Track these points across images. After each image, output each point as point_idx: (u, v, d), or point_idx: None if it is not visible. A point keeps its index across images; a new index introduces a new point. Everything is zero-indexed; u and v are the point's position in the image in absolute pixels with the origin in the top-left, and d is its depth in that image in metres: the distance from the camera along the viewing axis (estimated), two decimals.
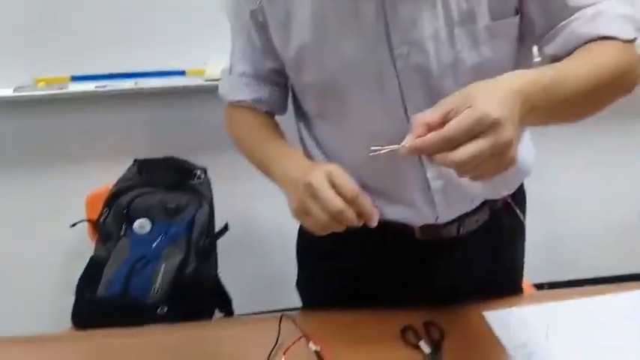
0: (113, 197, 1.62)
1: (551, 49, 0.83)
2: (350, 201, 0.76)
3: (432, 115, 0.63)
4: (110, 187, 1.67)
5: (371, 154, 0.68)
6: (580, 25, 0.80)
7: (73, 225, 1.64)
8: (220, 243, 1.71)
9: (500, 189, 0.98)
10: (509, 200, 1.02)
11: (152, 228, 1.57)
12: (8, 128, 1.88)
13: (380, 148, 0.68)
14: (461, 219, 0.97)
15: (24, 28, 1.71)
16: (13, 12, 1.70)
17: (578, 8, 0.81)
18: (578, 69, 0.74)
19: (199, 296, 1.54)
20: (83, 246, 1.69)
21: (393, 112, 0.86)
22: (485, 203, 0.98)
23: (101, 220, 1.60)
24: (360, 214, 0.77)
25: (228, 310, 1.68)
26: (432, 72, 0.83)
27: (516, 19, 0.83)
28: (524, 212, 1.09)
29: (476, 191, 0.95)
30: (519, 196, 1.06)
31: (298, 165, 0.85)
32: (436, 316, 0.97)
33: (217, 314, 1.67)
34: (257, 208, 2.00)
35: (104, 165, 1.79)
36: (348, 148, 0.93)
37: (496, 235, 1.03)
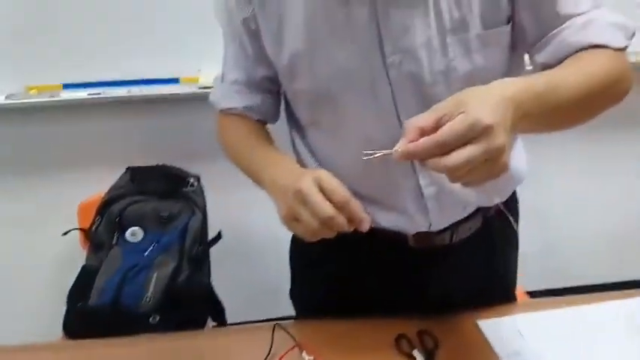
0: (105, 205, 1.61)
1: (542, 57, 0.83)
2: (340, 206, 0.75)
3: (424, 119, 0.63)
4: (103, 195, 1.66)
5: (364, 158, 0.68)
6: (571, 33, 0.81)
7: (65, 233, 1.62)
8: (213, 251, 1.70)
9: (492, 196, 0.98)
10: (501, 208, 1.03)
11: (144, 236, 1.56)
12: None
13: (372, 152, 0.68)
14: (454, 226, 0.97)
15: (14, 35, 1.70)
16: (3, 19, 1.69)
17: (570, 17, 0.81)
18: (570, 77, 0.74)
19: (192, 305, 1.53)
20: (75, 254, 1.68)
21: (386, 120, 0.86)
22: (478, 211, 0.99)
23: (93, 228, 1.59)
24: (350, 220, 0.76)
25: (221, 320, 1.66)
26: (424, 80, 0.83)
27: (508, 27, 0.84)
28: (517, 220, 1.09)
29: (468, 198, 0.95)
30: (512, 203, 1.06)
31: (287, 171, 0.84)
32: (430, 324, 0.97)
33: (210, 323, 1.66)
34: (251, 216, 1.99)
35: (97, 173, 1.78)
36: (341, 155, 0.93)
37: (489, 243, 1.03)
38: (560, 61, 0.80)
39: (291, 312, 1.18)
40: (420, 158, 0.64)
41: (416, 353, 0.92)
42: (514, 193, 1.07)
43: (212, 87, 1.06)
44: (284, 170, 0.85)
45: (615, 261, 2.28)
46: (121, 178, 1.75)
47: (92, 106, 1.83)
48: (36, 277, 1.98)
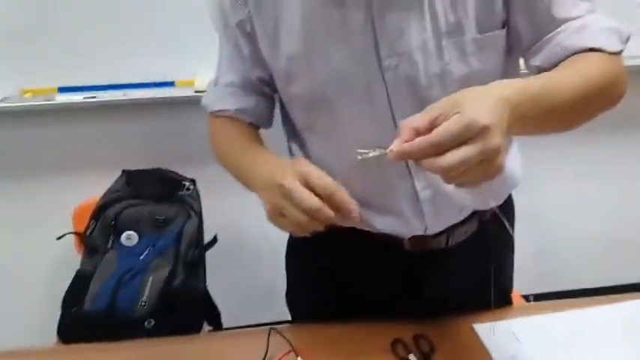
0: (100, 209, 1.61)
1: (537, 60, 0.84)
2: (326, 197, 0.73)
3: (420, 119, 0.63)
4: (98, 199, 1.66)
5: (358, 157, 0.68)
6: (566, 37, 0.81)
7: (60, 238, 1.62)
8: (209, 255, 1.69)
9: (488, 199, 0.98)
10: (497, 211, 1.03)
11: (140, 240, 1.56)
12: None
13: (367, 152, 0.68)
14: (449, 230, 0.97)
15: (9, 38, 1.70)
16: None
17: (565, 20, 0.82)
18: (567, 79, 0.74)
19: (187, 309, 1.53)
20: (70, 259, 1.67)
21: (381, 123, 0.86)
22: (473, 214, 0.99)
23: (88, 232, 1.58)
24: (338, 210, 0.74)
25: (216, 324, 1.66)
26: (420, 83, 0.83)
27: (503, 31, 0.84)
28: (512, 223, 1.09)
29: (464, 202, 0.95)
30: (508, 207, 1.06)
31: (273, 167, 0.82)
32: (426, 328, 0.97)
33: (206, 328, 1.66)
34: (246, 219, 1.98)
35: (92, 177, 1.78)
36: (336, 158, 0.93)
37: (485, 247, 1.03)
38: (555, 65, 0.80)
39: (287, 316, 1.18)
40: (415, 158, 0.63)
41: (412, 357, 0.92)
42: (510, 198, 1.07)
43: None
44: (270, 167, 0.83)
45: (611, 264, 2.29)
46: (116, 181, 1.74)
47: (87, 109, 1.83)
48: (30, 281, 1.97)
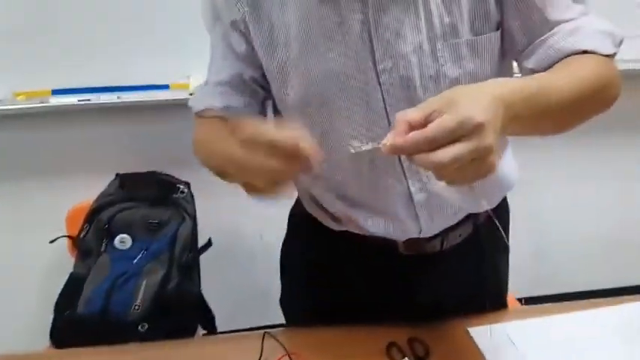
0: (94, 212, 1.60)
1: (531, 63, 0.84)
2: (286, 151, 0.66)
3: (414, 114, 0.62)
4: (91, 202, 1.65)
5: (352, 151, 0.67)
6: (559, 39, 0.81)
7: (53, 241, 1.61)
8: (203, 259, 1.69)
9: (481, 201, 0.98)
10: (491, 214, 1.02)
11: (133, 244, 1.55)
12: None
13: (360, 145, 0.67)
14: (444, 233, 0.97)
15: (2, 41, 1.69)
16: None
17: (558, 23, 0.82)
18: (561, 80, 0.74)
19: (181, 313, 1.52)
20: (63, 262, 1.66)
21: (376, 125, 0.86)
22: (468, 217, 0.98)
23: (81, 235, 1.57)
24: (298, 157, 0.67)
25: (211, 328, 1.65)
26: (415, 85, 0.83)
27: (497, 34, 0.84)
28: (507, 227, 1.09)
29: (458, 203, 0.94)
30: (502, 210, 1.06)
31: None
32: (420, 332, 0.96)
33: (200, 331, 1.65)
34: (241, 223, 1.98)
35: (85, 180, 1.76)
36: (331, 161, 0.92)
37: (479, 250, 1.03)
38: (548, 67, 0.81)
39: (282, 320, 1.17)
40: (408, 153, 0.62)
41: None
42: (505, 200, 1.07)
43: None
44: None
45: (607, 267, 2.29)
46: (110, 184, 1.74)
47: (81, 112, 1.82)
48: (23, 284, 1.96)
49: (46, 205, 1.87)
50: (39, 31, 1.71)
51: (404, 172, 0.90)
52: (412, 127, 0.62)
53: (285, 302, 1.16)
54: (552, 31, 0.82)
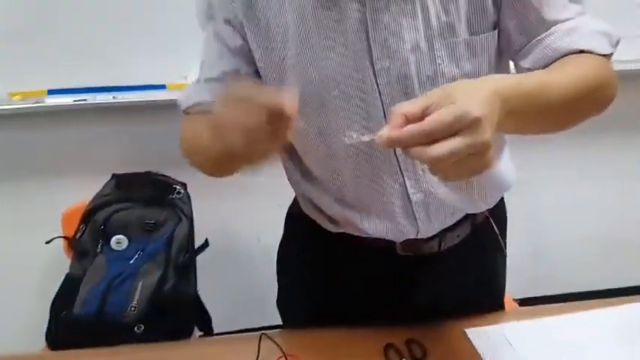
0: (90, 213, 1.59)
1: (527, 63, 0.84)
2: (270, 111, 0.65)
3: (411, 106, 0.62)
4: (87, 202, 1.64)
5: (347, 143, 0.66)
6: (556, 39, 0.81)
7: (48, 242, 1.60)
8: (200, 259, 1.68)
9: (478, 201, 0.98)
10: (487, 215, 1.02)
11: (129, 244, 1.55)
12: None
13: (356, 136, 0.66)
14: (442, 234, 0.97)
15: None
16: None
17: (555, 23, 0.82)
18: (558, 78, 0.74)
19: (178, 314, 1.51)
20: (58, 263, 1.65)
21: (374, 126, 0.85)
22: (466, 218, 0.98)
23: (77, 236, 1.57)
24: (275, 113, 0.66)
25: (207, 329, 1.65)
26: (412, 85, 0.83)
27: (495, 33, 0.84)
28: (505, 227, 1.08)
29: (455, 204, 0.94)
30: (499, 210, 1.06)
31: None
32: (418, 333, 0.96)
33: (197, 333, 1.64)
34: (237, 224, 1.98)
35: (81, 180, 1.76)
36: (328, 161, 0.92)
37: (477, 251, 1.02)
38: (545, 67, 0.81)
39: (278, 321, 1.17)
40: (404, 146, 0.62)
41: None
42: (502, 201, 1.07)
43: None
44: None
45: (605, 267, 2.29)
46: (106, 185, 1.73)
47: (77, 112, 1.81)
48: (18, 285, 1.95)
49: (41, 206, 1.87)
50: (35, 32, 1.70)
51: (401, 171, 0.89)
52: (409, 120, 0.61)
53: (282, 303, 1.16)
54: (549, 31, 0.82)
